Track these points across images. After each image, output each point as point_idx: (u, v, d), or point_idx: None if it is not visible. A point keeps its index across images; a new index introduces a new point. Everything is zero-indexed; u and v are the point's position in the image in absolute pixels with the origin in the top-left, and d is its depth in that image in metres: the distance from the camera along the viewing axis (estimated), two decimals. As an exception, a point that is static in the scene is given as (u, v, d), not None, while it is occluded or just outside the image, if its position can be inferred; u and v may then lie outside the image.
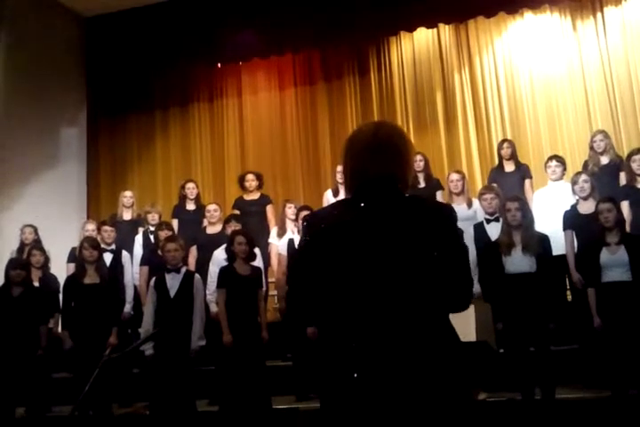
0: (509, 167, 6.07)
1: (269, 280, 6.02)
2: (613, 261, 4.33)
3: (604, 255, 4.36)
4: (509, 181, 5.91)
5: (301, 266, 1.75)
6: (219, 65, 8.62)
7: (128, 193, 6.79)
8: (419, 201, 1.77)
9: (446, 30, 8.01)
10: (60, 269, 5.99)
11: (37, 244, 6.09)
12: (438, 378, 1.57)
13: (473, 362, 1.71)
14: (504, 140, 6.32)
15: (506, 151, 6.08)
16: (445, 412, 1.56)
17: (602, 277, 4.35)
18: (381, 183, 1.73)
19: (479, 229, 5.08)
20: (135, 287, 5.85)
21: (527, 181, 5.95)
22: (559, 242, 4.94)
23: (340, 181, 6.46)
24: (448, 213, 1.72)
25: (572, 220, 4.99)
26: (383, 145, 1.76)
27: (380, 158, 1.75)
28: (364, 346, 1.59)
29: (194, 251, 5.93)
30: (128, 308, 5.65)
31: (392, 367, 1.56)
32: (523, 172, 6.01)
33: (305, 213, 5.27)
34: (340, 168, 6.55)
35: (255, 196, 6.49)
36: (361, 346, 1.59)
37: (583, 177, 5.14)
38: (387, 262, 1.63)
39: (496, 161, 6.53)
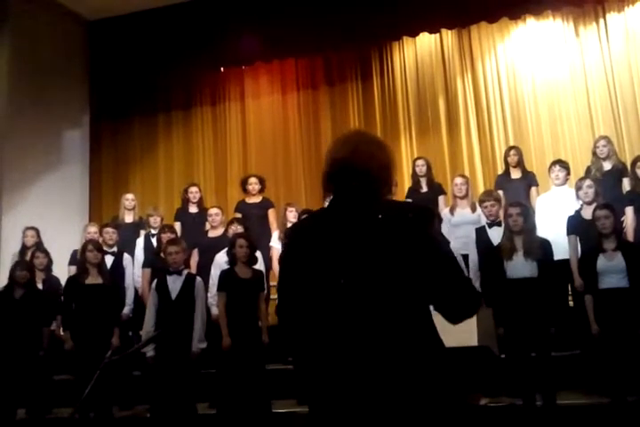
0: (516, 174, 6.07)
1: (271, 284, 6.02)
2: (610, 268, 4.33)
3: (601, 262, 4.37)
4: (515, 188, 5.91)
5: (281, 279, 1.77)
6: (222, 69, 8.65)
7: (130, 196, 6.82)
8: (387, 205, 1.72)
9: (449, 35, 8.02)
10: (62, 272, 6.00)
11: (40, 246, 6.10)
12: (422, 388, 1.55)
13: (460, 369, 1.68)
14: (511, 148, 6.30)
15: (513, 158, 6.07)
16: (430, 419, 1.54)
17: (599, 283, 4.36)
18: (354, 192, 1.70)
19: (481, 233, 5.09)
20: (137, 290, 5.86)
21: (533, 189, 5.95)
22: (562, 247, 4.95)
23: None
24: (416, 214, 1.66)
25: (576, 225, 4.99)
26: (361, 154, 1.72)
27: (355, 168, 1.71)
28: (340, 358, 1.58)
29: (195, 254, 5.94)
30: (127, 310, 5.66)
31: (370, 373, 1.54)
32: (529, 179, 6.00)
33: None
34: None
35: (257, 199, 6.50)
36: (338, 358, 1.58)
37: (587, 182, 5.14)
38: (355, 273, 1.61)
39: (499, 166, 6.53)
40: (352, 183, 1.70)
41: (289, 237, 1.82)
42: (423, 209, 1.71)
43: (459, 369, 1.64)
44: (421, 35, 7.84)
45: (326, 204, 1.79)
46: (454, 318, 1.67)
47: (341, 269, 1.62)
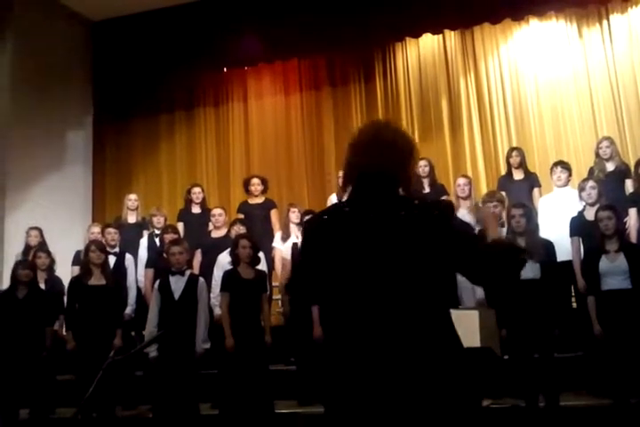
0: (518, 175, 6.06)
1: (273, 284, 6.03)
2: (613, 269, 4.33)
3: (604, 263, 4.36)
4: (518, 190, 5.91)
5: (299, 272, 1.76)
6: (224, 69, 8.66)
7: (133, 196, 6.83)
8: (411, 201, 1.71)
9: (452, 36, 8.02)
10: (65, 272, 6.01)
11: (43, 246, 6.11)
12: (439, 384, 1.54)
13: (477, 367, 1.66)
14: (513, 149, 6.29)
15: (515, 159, 6.07)
16: (447, 417, 1.53)
17: (601, 284, 4.35)
18: (375, 184, 1.69)
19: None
20: (140, 290, 5.87)
21: (536, 190, 5.94)
22: (565, 248, 4.94)
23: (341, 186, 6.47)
24: (441, 211, 1.66)
25: (579, 226, 4.98)
26: (382, 144, 1.72)
27: (377, 159, 1.71)
28: (363, 352, 1.56)
29: (198, 254, 5.94)
30: (129, 310, 5.66)
31: (392, 373, 1.53)
32: (532, 180, 6.00)
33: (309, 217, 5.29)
34: (341, 174, 6.58)
35: (260, 200, 6.50)
36: (360, 352, 1.57)
37: (590, 183, 5.14)
38: (375, 265, 1.60)
39: (501, 167, 6.52)
40: (373, 176, 1.69)
41: (308, 229, 1.78)
42: (446, 204, 1.72)
43: (477, 370, 1.63)
44: (424, 36, 7.84)
45: (346, 196, 1.78)
46: (498, 281, 1.65)
47: (366, 263, 1.61)
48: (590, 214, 4.91)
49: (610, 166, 5.63)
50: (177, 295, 4.83)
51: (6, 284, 5.43)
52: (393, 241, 1.61)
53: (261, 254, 5.24)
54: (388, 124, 1.85)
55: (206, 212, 6.49)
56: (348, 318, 1.62)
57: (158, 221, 6.38)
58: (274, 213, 6.46)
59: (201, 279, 5.01)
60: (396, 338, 1.56)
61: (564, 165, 5.66)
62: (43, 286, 5.54)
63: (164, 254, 5.26)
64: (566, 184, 5.58)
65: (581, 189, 5.16)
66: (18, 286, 5.19)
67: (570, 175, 5.63)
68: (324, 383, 1.66)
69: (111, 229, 6.07)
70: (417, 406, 1.52)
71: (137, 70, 8.45)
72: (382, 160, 1.71)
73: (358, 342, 1.58)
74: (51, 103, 7.97)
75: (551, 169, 5.71)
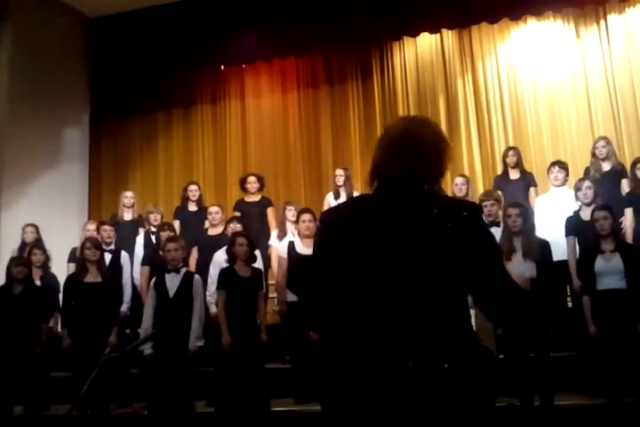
0: (514, 175, 6.07)
1: (269, 282, 6.02)
2: (608, 269, 4.34)
3: (599, 263, 4.37)
4: (514, 189, 5.92)
5: (314, 264, 1.69)
6: (222, 67, 8.66)
7: (129, 193, 6.81)
8: (439, 199, 1.67)
9: (449, 36, 8.03)
10: (61, 269, 6.00)
11: (39, 243, 6.10)
12: (455, 382, 1.49)
13: (495, 365, 1.62)
14: (509, 148, 6.30)
15: (511, 159, 6.08)
16: (459, 414, 1.50)
17: (597, 284, 4.36)
18: (403, 180, 1.65)
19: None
20: (135, 287, 5.86)
21: (532, 189, 5.95)
22: (561, 248, 4.95)
23: (339, 183, 6.48)
24: (470, 212, 1.60)
25: (575, 226, 4.99)
26: (411, 141, 1.67)
27: (405, 154, 1.66)
28: (375, 350, 1.52)
29: (195, 252, 5.94)
30: (125, 308, 5.65)
31: (405, 373, 1.48)
32: (528, 180, 6.01)
33: (305, 215, 5.28)
34: (339, 171, 6.58)
35: (256, 198, 6.50)
36: (372, 350, 1.52)
37: (586, 183, 5.14)
38: (399, 260, 1.55)
39: (498, 166, 6.53)
40: (400, 173, 1.64)
41: (329, 220, 1.70)
42: (475, 207, 1.67)
43: (493, 368, 1.59)
44: (422, 35, 7.85)
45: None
46: (502, 319, 1.64)
47: (392, 258, 1.56)
48: (586, 214, 4.92)
49: (606, 166, 5.64)
50: (172, 293, 4.81)
51: (1, 280, 5.42)
52: (424, 235, 1.56)
53: (258, 252, 5.23)
54: (416, 119, 1.81)
55: (202, 209, 6.48)
56: (366, 307, 1.57)
57: (155, 218, 6.37)
58: (270, 211, 6.45)
59: (196, 277, 5.00)
60: (413, 337, 1.52)
61: (562, 165, 5.67)
62: (38, 282, 5.54)
63: (160, 252, 5.26)
64: (563, 184, 5.59)
65: (577, 188, 5.17)
66: (13, 283, 5.18)
67: (567, 175, 5.64)
68: (326, 382, 1.61)
69: (107, 227, 6.06)
70: (426, 401, 1.49)
71: (134, 68, 8.44)
72: (410, 156, 1.66)
73: (374, 338, 1.53)
74: (48, 100, 7.95)
75: (548, 169, 5.73)
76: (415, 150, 1.66)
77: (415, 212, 1.60)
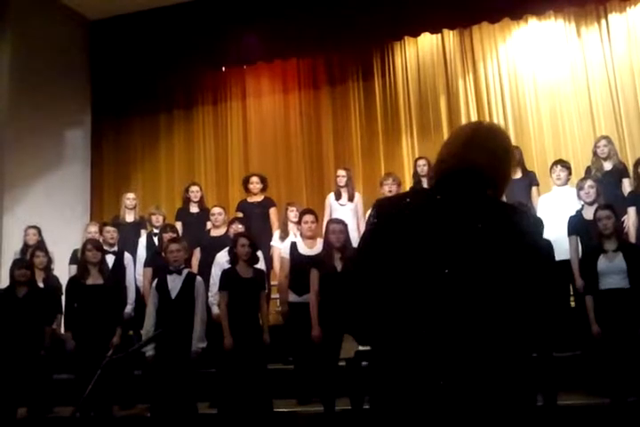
0: (516, 174, 6.06)
1: (272, 283, 6.03)
2: (611, 269, 4.33)
3: (602, 262, 4.37)
4: (516, 188, 5.89)
5: (366, 252, 1.62)
6: (223, 68, 8.65)
7: (131, 195, 6.82)
8: (501, 205, 1.65)
9: (450, 36, 8.02)
10: (63, 271, 6.00)
11: (41, 245, 6.10)
12: (506, 389, 1.46)
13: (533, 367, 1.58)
14: None
15: None
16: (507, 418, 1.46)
17: (600, 284, 4.35)
18: (465, 178, 1.62)
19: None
20: (138, 289, 5.87)
21: (534, 188, 5.94)
22: (564, 247, 4.94)
23: (341, 184, 6.46)
24: (531, 227, 1.59)
25: (577, 225, 4.98)
26: (477, 141, 1.67)
27: (476, 149, 1.65)
28: (413, 366, 1.47)
29: (197, 253, 5.94)
30: (129, 309, 5.66)
31: (434, 393, 1.44)
32: (530, 179, 5.99)
33: (307, 216, 5.28)
34: (340, 172, 6.57)
35: (259, 198, 6.50)
36: (411, 366, 1.47)
37: (589, 183, 5.14)
38: (452, 258, 1.52)
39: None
40: (462, 173, 1.63)
41: (386, 211, 1.64)
42: (537, 218, 1.67)
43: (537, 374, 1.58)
44: (423, 35, 7.84)
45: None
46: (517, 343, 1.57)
47: (447, 259, 1.52)
48: (589, 213, 4.92)
49: (607, 165, 5.63)
50: (174, 294, 4.82)
51: (5, 282, 5.42)
52: (486, 238, 1.53)
53: (260, 253, 5.23)
54: (491, 124, 1.83)
55: (204, 211, 6.49)
56: (417, 308, 1.51)
57: (157, 219, 6.38)
58: (273, 212, 6.45)
59: (198, 278, 5.00)
60: (468, 333, 1.48)
61: (564, 164, 5.66)
62: (41, 285, 5.54)
63: (163, 253, 5.26)
64: (566, 183, 5.58)
65: (580, 188, 5.16)
66: (17, 286, 5.18)
67: (569, 174, 5.63)
68: (379, 389, 1.56)
69: (110, 228, 6.06)
70: (478, 404, 1.45)
71: (135, 69, 8.45)
72: (481, 152, 1.65)
73: (425, 333, 1.48)
74: (49, 102, 7.96)
75: (551, 168, 5.71)
76: (488, 148, 1.67)
77: (474, 212, 1.57)
